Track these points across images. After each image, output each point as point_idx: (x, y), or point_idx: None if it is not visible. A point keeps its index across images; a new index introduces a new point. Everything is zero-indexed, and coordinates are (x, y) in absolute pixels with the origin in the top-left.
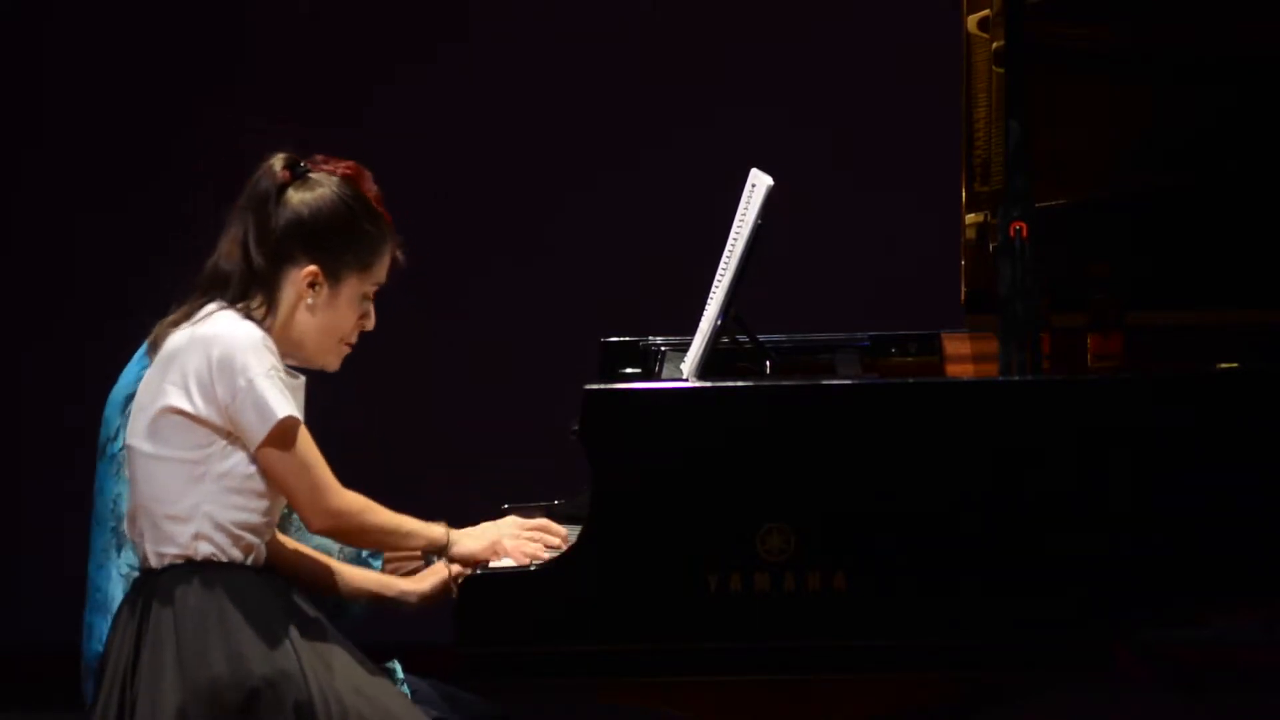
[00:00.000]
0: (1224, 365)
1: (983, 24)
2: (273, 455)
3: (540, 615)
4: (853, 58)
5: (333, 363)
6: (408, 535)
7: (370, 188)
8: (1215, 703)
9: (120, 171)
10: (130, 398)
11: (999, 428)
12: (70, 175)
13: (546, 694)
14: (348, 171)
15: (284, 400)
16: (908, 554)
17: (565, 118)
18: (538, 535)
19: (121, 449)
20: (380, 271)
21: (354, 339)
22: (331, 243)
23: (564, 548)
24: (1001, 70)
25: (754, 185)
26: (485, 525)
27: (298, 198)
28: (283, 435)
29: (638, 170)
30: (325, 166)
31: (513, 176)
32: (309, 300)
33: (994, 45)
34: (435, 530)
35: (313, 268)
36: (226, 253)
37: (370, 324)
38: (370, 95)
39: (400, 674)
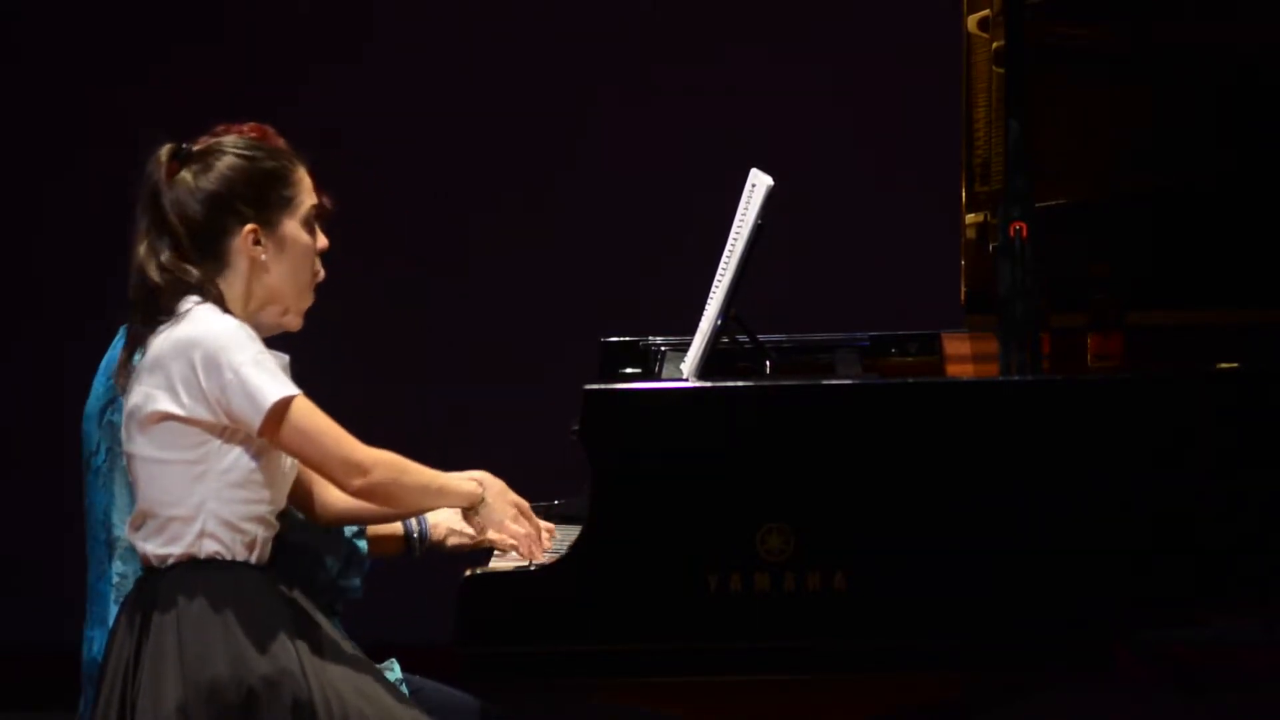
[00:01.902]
0: (1224, 365)
1: (983, 24)
2: (283, 436)
3: (540, 615)
4: (853, 58)
5: (308, 300)
6: (441, 492)
7: (276, 141)
8: (1215, 703)
9: (94, 169)
10: (104, 409)
11: (999, 428)
12: (49, 173)
13: (546, 694)
14: (253, 133)
15: (275, 382)
16: (908, 554)
17: (565, 117)
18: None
19: (104, 461)
20: (305, 196)
21: (319, 268)
22: (251, 197)
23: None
24: (1001, 70)
25: (754, 185)
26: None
27: (198, 178)
28: (283, 415)
29: (638, 170)
30: (226, 135)
31: (512, 176)
32: (261, 257)
33: (994, 45)
34: (468, 485)
35: (249, 227)
36: (144, 261)
37: (325, 245)
38: (366, 92)
39: (399, 673)
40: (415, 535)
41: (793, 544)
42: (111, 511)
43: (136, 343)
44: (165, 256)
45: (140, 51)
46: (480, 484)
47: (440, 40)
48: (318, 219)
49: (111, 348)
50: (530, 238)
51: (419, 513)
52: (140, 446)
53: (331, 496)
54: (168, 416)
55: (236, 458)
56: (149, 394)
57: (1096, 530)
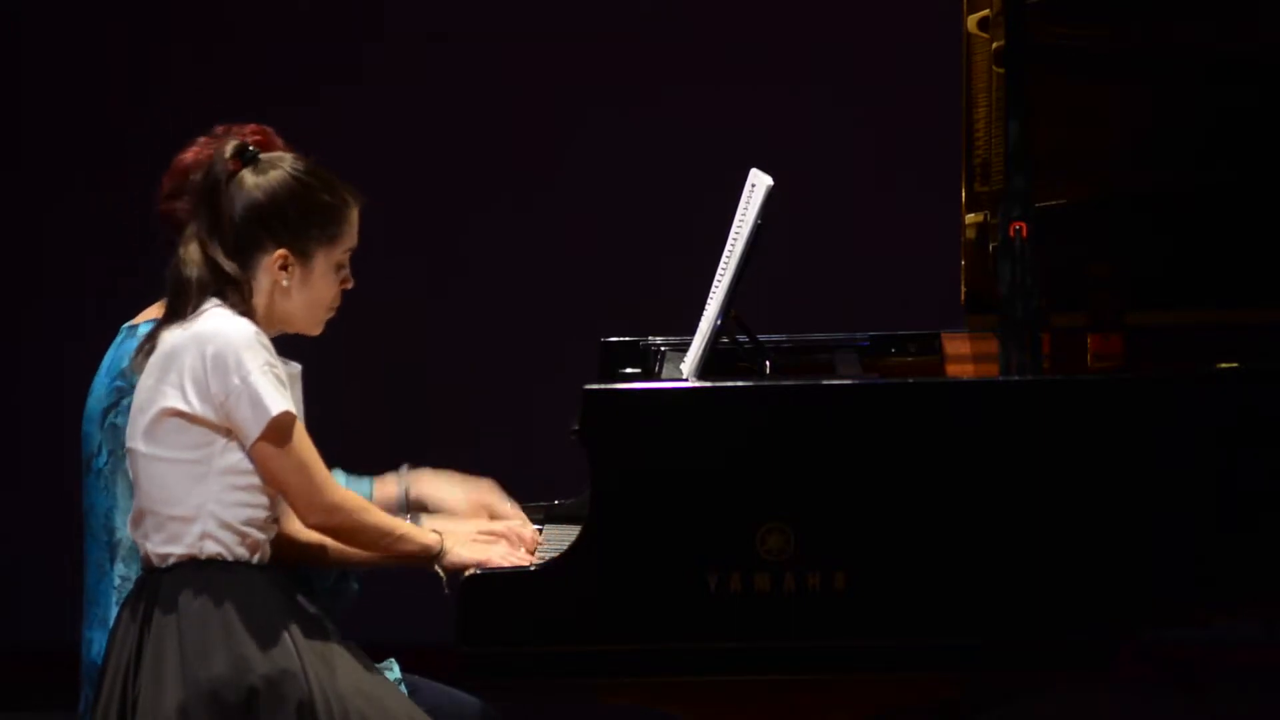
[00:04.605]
0: (1224, 365)
1: (983, 24)
2: (268, 451)
3: (540, 615)
4: (852, 58)
5: (316, 330)
6: (401, 539)
7: (276, 142)
8: (1215, 703)
9: (95, 170)
10: (105, 411)
11: (999, 428)
12: (47, 172)
13: (546, 694)
14: (257, 138)
15: (279, 396)
16: (907, 554)
17: (565, 116)
18: (514, 540)
19: (106, 463)
20: (349, 237)
21: (337, 302)
22: (293, 222)
23: (546, 546)
24: (1001, 70)
25: (754, 185)
26: (457, 523)
27: (251, 183)
28: (279, 431)
29: (638, 170)
30: (233, 137)
31: (512, 175)
32: (284, 283)
33: (994, 45)
34: (429, 536)
35: (281, 251)
36: (188, 253)
37: (350, 285)
38: (366, 88)
39: (399, 673)
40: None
41: (793, 544)
42: (114, 514)
43: (152, 340)
44: (213, 250)
45: (140, 54)
46: (441, 538)
47: (442, 39)
48: (351, 258)
49: (113, 348)
50: (530, 238)
51: (373, 560)
52: (143, 444)
53: (292, 529)
54: (174, 413)
55: (238, 460)
56: (158, 390)
57: (1096, 530)
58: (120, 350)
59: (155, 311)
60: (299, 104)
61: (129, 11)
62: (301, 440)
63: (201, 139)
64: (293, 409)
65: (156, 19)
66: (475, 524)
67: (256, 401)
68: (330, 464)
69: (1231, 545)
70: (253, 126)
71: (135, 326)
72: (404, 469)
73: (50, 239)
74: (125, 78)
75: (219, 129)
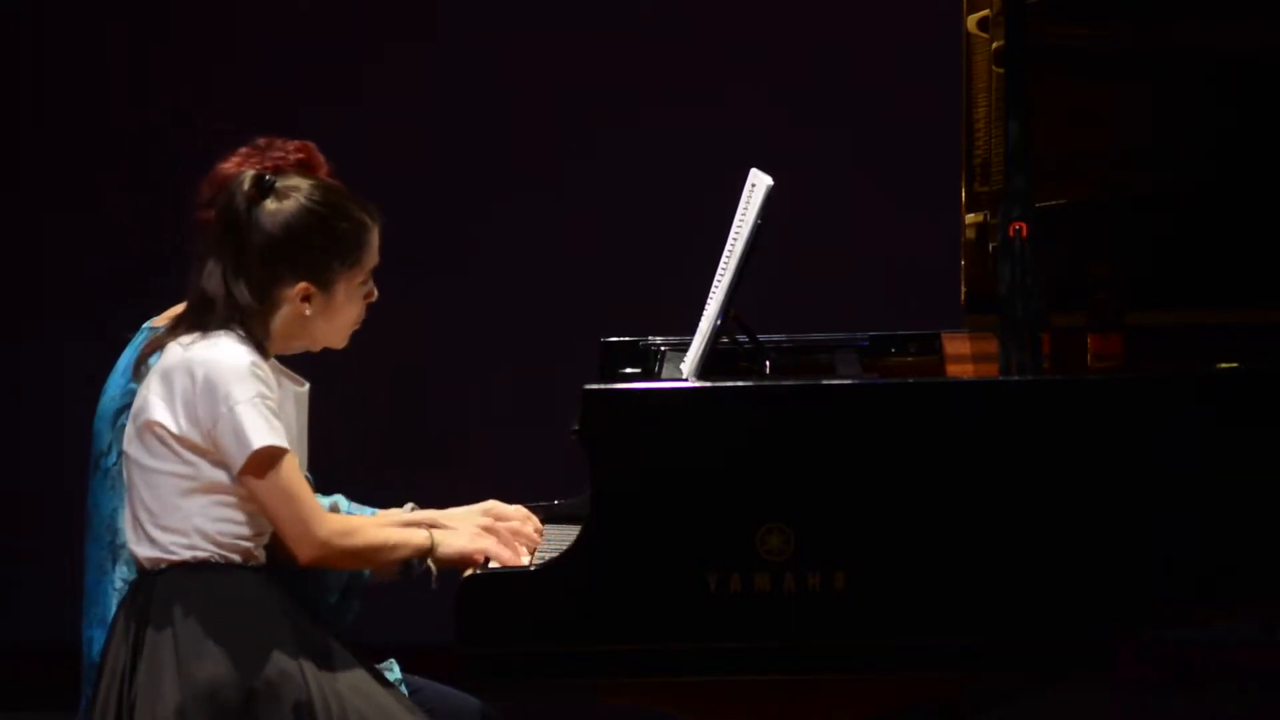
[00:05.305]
0: (1224, 365)
1: (983, 24)
2: (253, 483)
3: (540, 615)
4: (853, 58)
5: (341, 344)
6: (395, 548)
7: (321, 165)
8: (1215, 703)
9: (99, 166)
10: (119, 411)
11: (999, 428)
12: (47, 172)
13: (546, 694)
14: (300, 155)
15: (265, 429)
16: (907, 554)
17: (566, 117)
18: (516, 529)
19: (115, 463)
20: (369, 259)
21: (363, 316)
22: (313, 254)
23: (542, 542)
24: (1001, 70)
25: (754, 185)
26: (458, 513)
27: (269, 215)
28: (262, 463)
29: (638, 170)
30: (277, 153)
31: (511, 176)
32: (307, 312)
33: (994, 45)
34: (419, 536)
35: (302, 285)
36: (208, 282)
37: (374, 298)
38: (366, 89)
39: (399, 673)
40: (414, 562)
41: (793, 544)
42: (118, 515)
43: (158, 346)
44: (235, 285)
45: (140, 54)
46: (429, 527)
47: (445, 39)
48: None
49: (130, 347)
50: (530, 238)
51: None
52: (136, 449)
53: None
54: (159, 428)
55: (224, 477)
56: (150, 401)
57: (1096, 530)
58: (139, 350)
59: (179, 311)
60: (299, 104)
61: (129, 11)
62: (288, 473)
63: (243, 149)
64: (278, 443)
65: (156, 19)
66: (475, 510)
67: (240, 432)
68: (333, 489)
69: (1231, 545)
70: (296, 144)
71: (156, 327)
72: (409, 507)
73: (50, 239)
74: (125, 78)
75: (260, 140)
